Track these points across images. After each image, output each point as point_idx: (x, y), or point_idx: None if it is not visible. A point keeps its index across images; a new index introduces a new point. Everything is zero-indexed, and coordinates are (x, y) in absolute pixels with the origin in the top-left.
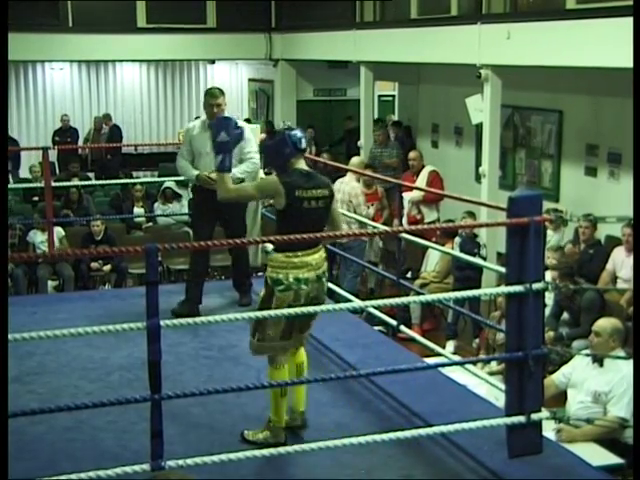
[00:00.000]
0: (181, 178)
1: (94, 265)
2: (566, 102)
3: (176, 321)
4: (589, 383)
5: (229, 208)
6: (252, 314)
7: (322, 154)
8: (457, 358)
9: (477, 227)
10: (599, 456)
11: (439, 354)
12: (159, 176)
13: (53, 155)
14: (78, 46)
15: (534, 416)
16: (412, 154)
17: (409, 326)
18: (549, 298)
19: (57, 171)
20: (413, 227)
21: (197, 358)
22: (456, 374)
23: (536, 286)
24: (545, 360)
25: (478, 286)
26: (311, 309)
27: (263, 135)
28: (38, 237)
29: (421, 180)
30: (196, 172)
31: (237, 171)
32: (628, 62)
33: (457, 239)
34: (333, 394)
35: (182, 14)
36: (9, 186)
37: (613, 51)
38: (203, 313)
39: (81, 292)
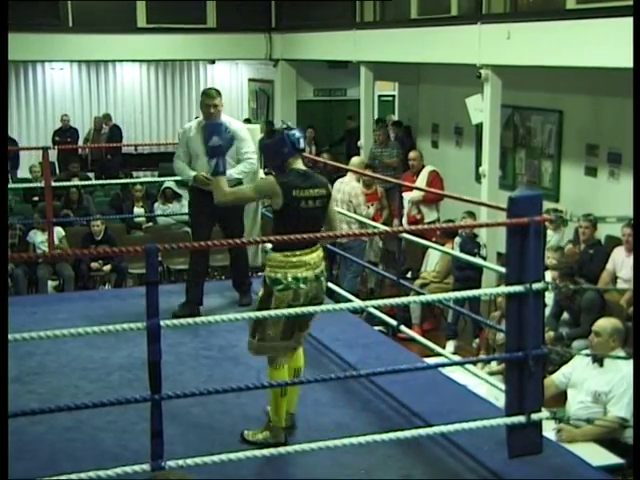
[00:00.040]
0: (181, 178)
1: (94, 265)
2: (566, 102)
3: (176, 321)
4: (589, 383)
5: (227, 208)
6: (252, 314)
7: (322, 154)
8: (457, 358)
9: (477, 227)
10: (599, 456)
11: (439, 354)
12: (159, 176)
13: (53, 155)
14: (78, 46)
15: (534, 416)
16: (412, 154)
17: (409, 326)
18: (549, 298)
19: (57, 171)
20: (413, 227)
21: (197, 358)
22: (456, 374)
23: (536, 286)
24: (545, 360)
25: (478, 286)
26: (311, 309)
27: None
28: (38, 237)
29: (421, 180)
30: (193, 173)
31: (234, 171)
32: (628, 62)
33: (457, 239)
34: (333, 394)
35: (182, 14)
36: (9, 186)
37: (613, 51)
38: (203, 313)
39: (81, 292)
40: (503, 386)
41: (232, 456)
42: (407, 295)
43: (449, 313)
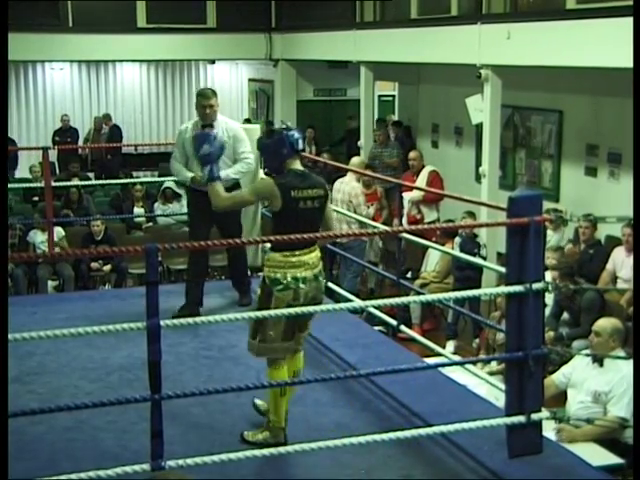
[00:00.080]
0: (178, 179)
1: (94, 265)
2: (566, 102)
3: (176, 321)
4: (589, 383)
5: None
6: (252, 314)
7: (322, 154)
8: (457, 358)
9: (477, 227)
10: (599, 456)
11: (439, 354)
12: (159, 176)
13: (53, 155)
14: (78, 46)
15: (534, 416)
16: (412, 154)
17: (409, 326)
18: (549, 298)
19: (57, 171)
20: (413, 227)
21: (197, 358)
22: (456, 374)
23: (536, 286)
24: (545, 360)
25: (478, 286)
26: (311, 309)
27: None
28: (38, 237)
29: (421, 180)
30: (190, 174)
31: (231, 172)
32: (628, 62)
33: (457, 239)
34: (333, 394)
35: (182, 14)
36: (9, 186)
37: (613, 51)
38: (203, 313)
39: (81, 292)
40: (503, 386)
41: (232, 456)
42: (407, 295)
43: (449, 313)
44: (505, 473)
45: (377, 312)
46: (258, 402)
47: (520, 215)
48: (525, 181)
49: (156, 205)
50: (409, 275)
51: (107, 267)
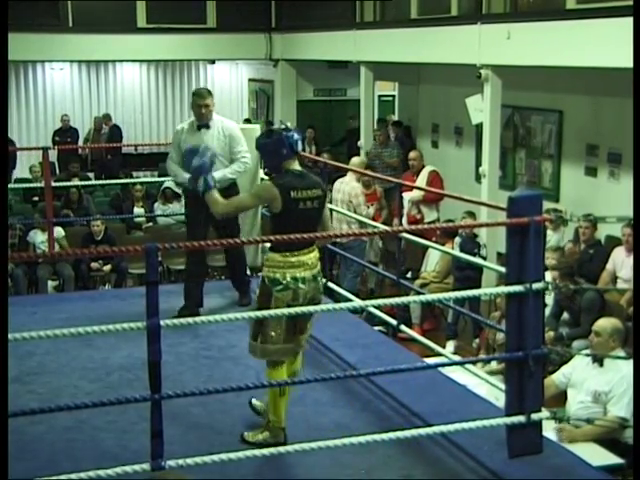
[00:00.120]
0: (174, 180)
1: (94, 265)
2: (566, 102)
3: (176, 321)
4: (589, 383)
5: None
6: (252, 314)
7: (323, 154)
8: (457, 358)
9: (477, 227)
10: (599, 456)
11: (439, 354)
12: (159, 176)
13: (53, 155)
14: (78, 46)
15: (534, 416)
16: (412, 154)
17: (409, 326)
18: (549, 298)
19: (57, 171)
20: (413, 227)
21: (197, 358)
22: (456, 374)
23: (536, 286)
24: (545, 360)
25: (478, 286)
26: (311, 309)
27: None
28: (38, 237)
29: (421, 180)
30: (187, 175)
31: (228, 171)
32: (628, 62)
33: (457, 239)
34: (333, 394)
35: (182, 14)
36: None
37: (613, 51)
38: (203, 313)
39: (81, 292)
40: (503, 386)
41: (232, 456)
42: (407, 295)
43: (449, 313)
44: (505, 473)
45: (377, 312)
46: (255, 402)
47: (520, 215)
48: (525, 181)
49: (156, 205)
50: (409, 275)
51: (107, 267)
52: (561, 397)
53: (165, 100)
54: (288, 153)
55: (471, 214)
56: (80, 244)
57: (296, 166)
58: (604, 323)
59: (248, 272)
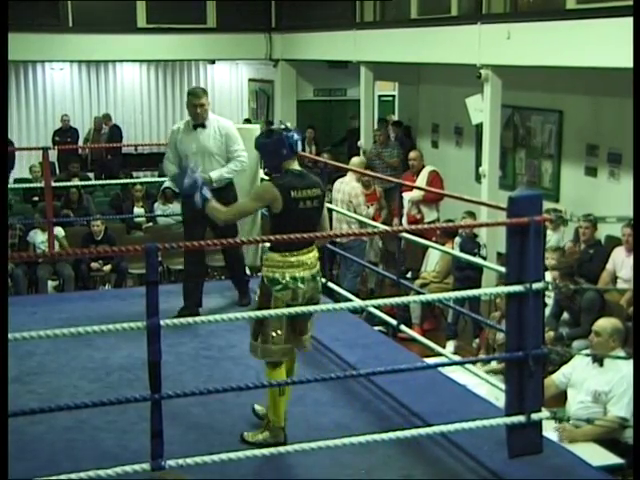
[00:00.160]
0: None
1: (94, 265)
2: (566, 102)
3: (176, 321)
4: (589, 383)
5: None
6: (252, 314)
7: (323, 154)
8: (457, 358)
9: (477, 227)
10: (599, 456)
11: (439, 354)
12: (159, 176)
13: (53, 155)
14: (78, 46)
15: (534, 416)
16: (412, 154)
17: (409, 326)
18: (549, 298)
19: (57, 171)
20: (413, 227)
21: (197, 358)
22: (456, 374)
23: (536, 286)
24: (545, 360)
25: (478, 286)
26: (311, 308)
27: None
28: (38, 237)
29: (421, 180)
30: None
31: (225, 171)
32: (628, 62)
33: (457, 239)
34: (333, 394)
35: (182, 14)
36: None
37: (613, 51)
38: (203, 313)
39: (81, 292)
40: (503, 386)
41: (232, 456)
42: (407, 295)
43: (449, 313)
44: (505, 473)
45: (377, 312)
46: (258, 408)
47: (520, 215)
48: (525, 181)
49: (156, 205)
50: (409, 275)
51: (107, 267)
52: (561, 397)
53: (165, 100)
54: (288, 153)
55: (471, 214)
56: (80, 244)
57: (296, 166)
58: (604, 323)
59: (247, 272)
